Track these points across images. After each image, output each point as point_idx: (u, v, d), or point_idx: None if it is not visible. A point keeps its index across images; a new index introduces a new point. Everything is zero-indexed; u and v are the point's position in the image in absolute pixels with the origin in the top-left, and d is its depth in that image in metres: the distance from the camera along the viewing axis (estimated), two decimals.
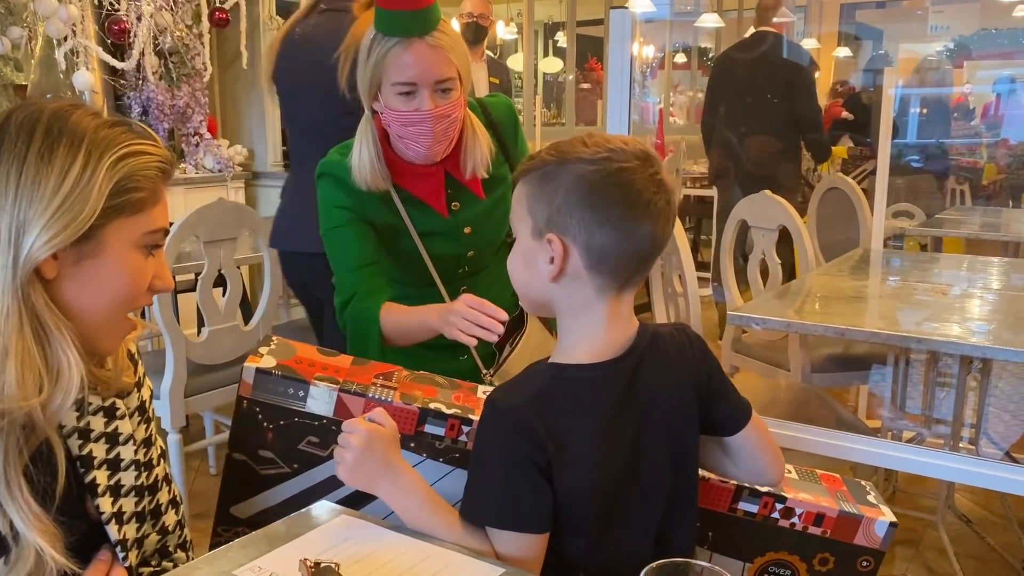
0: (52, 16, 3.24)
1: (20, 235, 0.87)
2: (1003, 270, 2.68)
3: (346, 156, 1.53)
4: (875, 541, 1.14)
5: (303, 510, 1.05)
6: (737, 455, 1.12)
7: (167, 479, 1.11)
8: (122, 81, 3.94)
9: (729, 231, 2.85)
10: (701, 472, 1.12)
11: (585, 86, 7.87)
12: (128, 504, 1.02)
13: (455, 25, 3.75)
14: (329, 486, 1.17)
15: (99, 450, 0.99)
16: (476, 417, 1.11)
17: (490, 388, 1.14)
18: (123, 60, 3.71)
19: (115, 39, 3.65)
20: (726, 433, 1.11)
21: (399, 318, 1.46)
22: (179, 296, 2.94)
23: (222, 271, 2.42)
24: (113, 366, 1.02)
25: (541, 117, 5.87)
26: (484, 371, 1.58)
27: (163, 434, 2.03)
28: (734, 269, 2.80)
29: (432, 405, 1.14)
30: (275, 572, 0.90)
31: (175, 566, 1.09)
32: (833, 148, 5.15)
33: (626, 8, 1.96)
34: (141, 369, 1.09)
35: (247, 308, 2.74)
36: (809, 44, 5.87)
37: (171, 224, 2.20)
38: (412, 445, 1.14)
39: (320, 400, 1.15)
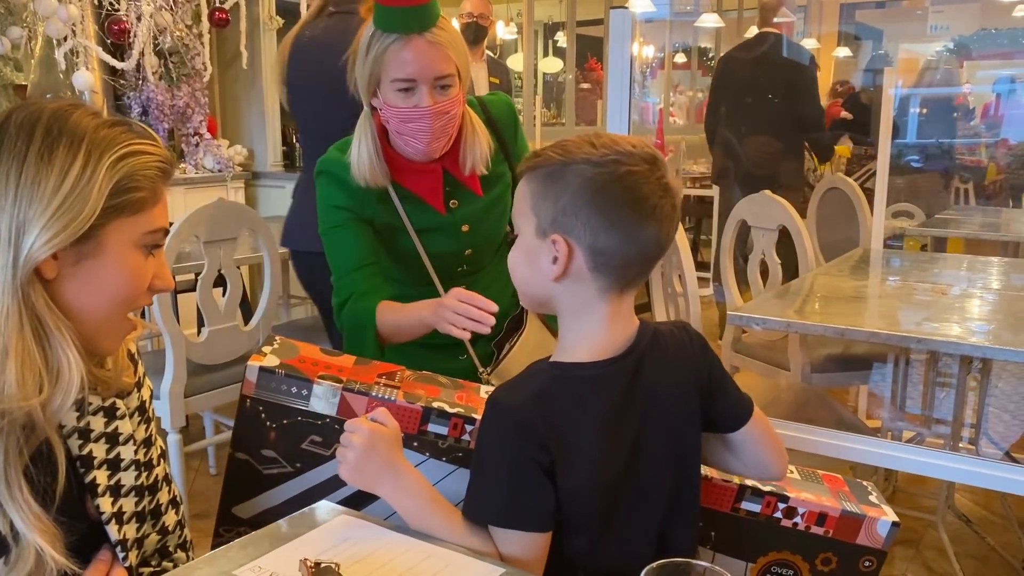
0: (52, 16, 3.24)
1: (20, 235, 0.87)
2: (1003, 270, 2.69)
3: (345, 153, 1.53)
4: (877, 541, 1.14)
5: (303, 510, 1.05)
6: (741, 451, 1.12)
7: (167, 479, 1.11)
8: (122, 81, 3.95)
9: (729, 231, 2.85)
10: (703, 471, 1.12)
11: (585, 86, 7.87)
12: (128, 504, 1.02)
13: (455, 25, 3.75)
14: (332, 486, 1.17)
15: (99, 450, 0.99)
16: (479, 416, 1.11)
17: (491, 388, 1.14)
18: (123, 60, 3.71)
19: (115, 39, 3.65)
20: (729, 429, 1.11)
21: (394, 316, 1.47)
22: (179, 296, 2.94)
23: (222, 271, 2.42)
24: (113, 366, 1.01)
25: (541, 117, 5.87)
26: (481, 369, 1.58)
27: (163, 434, 2.02)
28: (734, 269, 2.80)
29: (435, 404, 1.14)
30: (275, 572, 0.89)
31: (175, 566, 1.09)
32: (835, 148, 5.15)
33: (626, 8, 1.96)
34: (141, 369, 1.09)
35: (247, 308, 2.74)
36: (809, 44, 5.87)
37: (171, 224, 2.21)
38: (415, 444, 1.14)
39: (323, 399, 1.15)
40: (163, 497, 1.09)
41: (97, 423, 0.99)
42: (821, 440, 1.80)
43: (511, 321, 1.63)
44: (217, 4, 4.02)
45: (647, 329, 1.05)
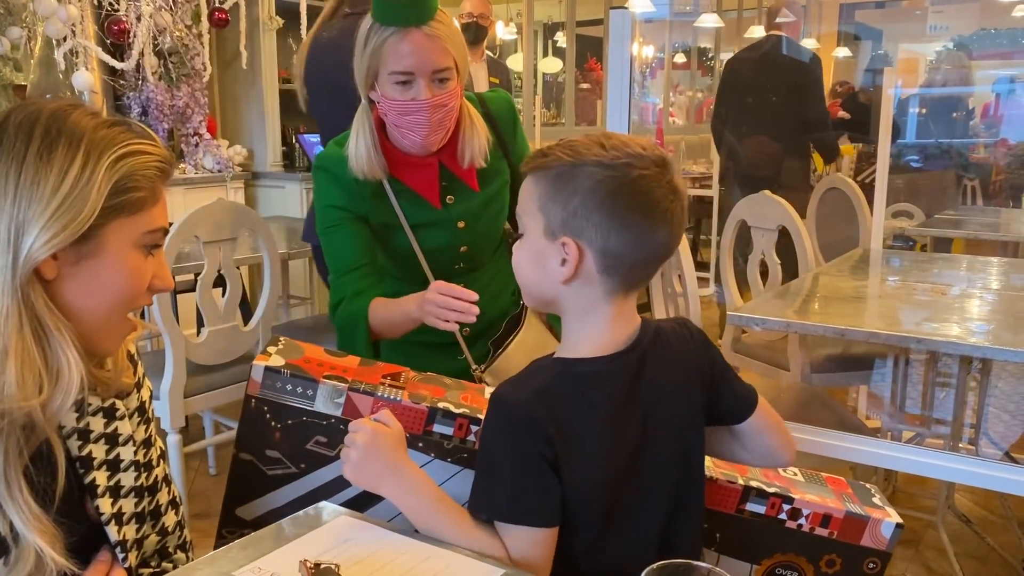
0: (51, 16, 3.24)
1: (19, 235, 0.87)
2: (1002, 270, 2.69)
3: (343, 147, 1.54)
4: (881, 542, 1.14)
5: (303, 511, 1.05)
6: (748, 441, 1.13)
7: (167, 480, 1.11)
8: (121, 81, 3.94)
9: (729, 231, 2.85)
10: (708, 472, 1.12)
11: (585, 86, 7.87)
12: (128, 505, 1.02)
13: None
14: (336, 487, 1.16)
15: (99, 451, 0.99)
16: (483, 416, 1.11)
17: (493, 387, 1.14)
18: (122, 60, 3.70)
19: (114, 39, 3.65)
20: (735, 421, 1.12)
21: (385, 312, 1.48)
22: (179, 296, 2.94)
23: (221, 271, 2.42)
24: (113, 367, 1.01)
25: (541, 117, 5.87)
26: (475, 367, 1.58)
27: (163, 434, 2.03)
28: (734, 269, 2.80)
29: (441, 405, 1.13)
30: (275, 573, 0.89)
31: (175, 567, 1.09)
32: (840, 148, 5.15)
33: (626, 8, 1.96)
34: (141, 370, 1.09)
35: (247, 308, 2.74)
36: (808, 44, 5.88)
37: (171, 224, 2.21)
38: (420, 445, 1.13)
39: (328, 399, 1.14)
40: (163, 498, 1.09)
41: (97, 424, 0.99)
42: (821, 440, 1.80)
43: (510, 320, 1.63)
44: (217, 4, 4.01)
45: (649, 327, 1.05)
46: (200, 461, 3.10)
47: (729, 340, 2.76)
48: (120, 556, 1.00)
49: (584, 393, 1.00)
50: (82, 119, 0.91)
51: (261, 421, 1.17)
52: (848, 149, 5.64)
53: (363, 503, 1.13)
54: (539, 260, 1.01)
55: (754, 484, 1.14)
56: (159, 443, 1.11)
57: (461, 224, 1.60)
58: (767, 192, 2.78)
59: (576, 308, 1.02)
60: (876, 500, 1.18)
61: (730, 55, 8.20)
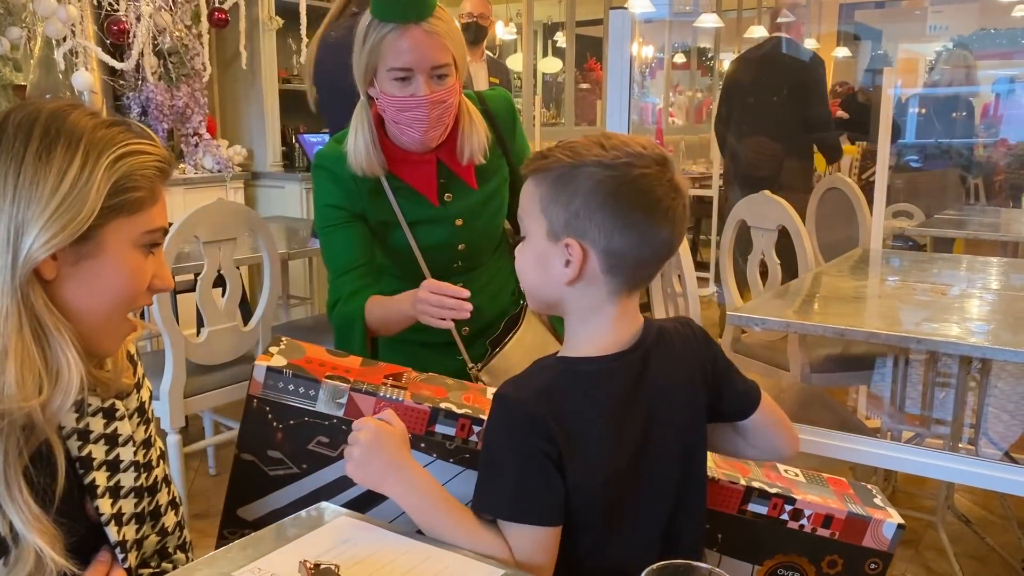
0: (51, 16, 3.24)
1: (19, 236, 0.87)
2: (1002, 270, 2.69)
3: (342, 144, 1.55)
4: (883, 543, 1.14)
5: (303, 511, 1.05)
6: (752, 436, 1.14)
7: (166, 480, 1.11)
8: (121, 81, 3.94)
9: (728, 231, 2.85)
10: (710, 473, 1.12)
11: (584, 86, 7.87)
12: (127, 505, 1.02)
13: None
14: (338, 487, 1.16)
15: (98, 451, 0.99)
16: (486, 417, 1.11)
17: (494, 388, 1.14)
18: (122, 60, 3.70)
19: (114, 39, 3.65)
20: (739, 418, 1.12)
21: (381, 310, 1.50)
22: (178, 296, 2.94)
23: (221, 271, 2.42)
24: (113, 367, 1.01)
25: (540, 117, 5.87)
26: (471, 365, 1.58)
27: (162, 435, 2.02)
28: (735, 269, 2.80)
29: (443, 405, 1.13)
30: (275, 573, 0.89)
31: (175, 567, 1.09)
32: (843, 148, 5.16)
33: (625, 9, 1.96)
34: (140, 370, 1.09)
35: (246, 309, 2.74)
36: (808, 44, 5.88)
37: (170, 224, 2.21)
38: (422, 445, 1.13)
39: (331, 399, 1.14)
40: (162, 498, 1.09)
41: (96, 424, 0.99)
42: (821, 441, 1.80)
43: (508, 320, 1.63)
44: (216, 4, 4.01)
45: (652, 326, 1.06)
46: (200, 461, 3.10)
47: (729, 340, 2.76)
48: (120, 556, 1.00)
49: (587, 392, 1.00)
50: (81, 119, 0.91)
51: (263, 421, 1.17)
52: (851, 149, 5.65)
53: (365, 504, 1.13)
54: (542, 262, 1.01)
55: (756, 485, 1.14)
56: (159, 443, 1.11)
57: (459, 222, 1.60)
58: (767, 192, 2.78)
59: (580, 309, 1.02)
60: (877, 501, 1.18)
61: (730, 55, 8.21)
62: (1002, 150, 5.19)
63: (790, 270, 2.68)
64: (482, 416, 1.12)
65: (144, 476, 1.05)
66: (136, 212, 0.93)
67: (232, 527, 1.22)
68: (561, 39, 7.55)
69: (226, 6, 4.03)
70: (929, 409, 2.58)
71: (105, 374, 1.00)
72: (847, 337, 1.99)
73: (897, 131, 4.45)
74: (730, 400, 1.12)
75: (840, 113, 6.02)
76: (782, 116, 4.04)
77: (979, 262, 2.86)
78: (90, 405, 0.99)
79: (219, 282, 2.44)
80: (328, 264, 1.59)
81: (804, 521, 1.14)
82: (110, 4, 3.63)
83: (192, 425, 3.17)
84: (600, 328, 1.01)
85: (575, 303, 1.02)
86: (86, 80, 3.40)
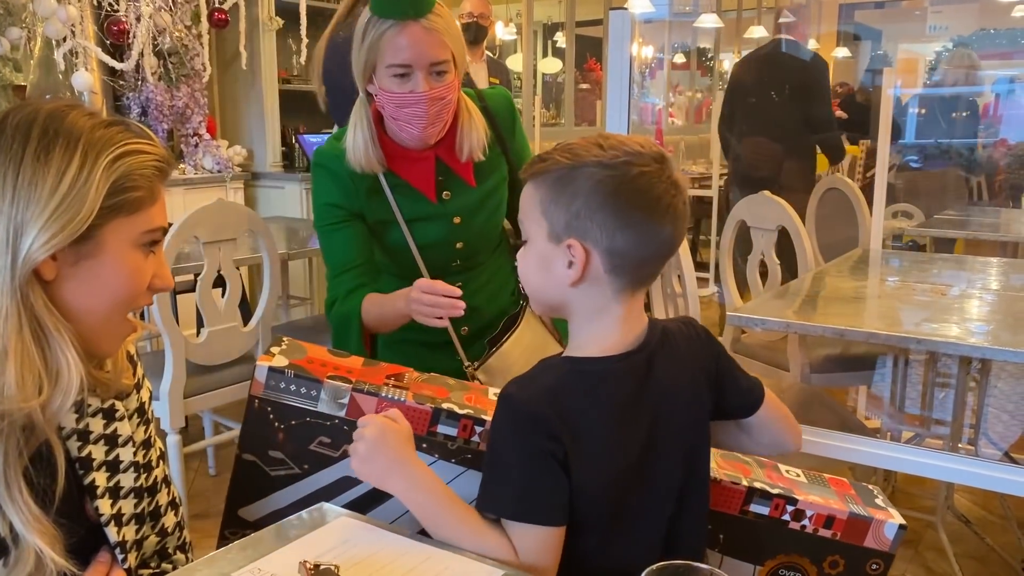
0: (51, 17, 3.24)
1: (18, 237, 0.87)
2: (1002, 270, 2.69)
3: (341, 141, 1.55)
4: (885, 543, 1.14)
5: (303, 511, 1.05)
6: (756, 432, 1.15)
7: (166, 481, 1.11)
8: (121, 82, 3.94)
9: (728, 231, 2.85)
10: (712, 474, 1.12)
11: (584, 86, 7.88)
12: (127, 506, 1.02)
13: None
14: (340, 488, 1.16)
15: (98, 452, 0.99)
16: (488, 418, 1.11)
17: (496, 389, 1.14)
18: (122, 61, 3.70)
19: (114, 40, 3.65)
20: (744, 415, 1.13)
21: (378, 308, 1.51)
22: (178, 297, 2.94)
23: (221, 272, 2.42)
24: (112, 368, 1.01)
25: (540, 117, 5.88)
26: (467, 364, 1.58)
27: (162, 435, 2.02)
28: (735, 270, 2.80)
29: (445, 405, 1.13)
30: (275, 574, 0.89)
31: (174, 568, 1.09)
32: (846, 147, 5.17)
33: (625, 9, 1.97)
34: (140, 371, 1.09)
35: (246, 309, 2.74)
36: (808, 44, 5.89)
37: (170, 225, 2.21)
38: (424, 446, 1.13)
39: (332, 400, 1.14)
40: (162, 499, 1.09)
41: (96, 425, 0.99)
42: (820, 441, 1.80)
43: (507, 319, 1.63)
44: (216, 5, 4.02)
45: (656, 326, 1.06)
46: (200, 462, 3.10)
47: (729, 340, 2.76)
48: (120, 557, 1.00)
49: (593, 392, 1.00)
50: (79, 119, 0.91)
51: (264, 422, 1.16)
52: (854, 149, 5.65)
53: (366, 504, 1.13)
54: (545, 264, 1.01)
55: (758, 485, 1.14)
56: (159, 444, 1.11)
57: (457, 220, 1.60)
58: (766, 192, 2.78)
59: (585, 310, 1.02)
60: (879, 501, 1.18)
61: (730, 55, 8.21)
62: (1002, 150, 5.19)
63: (790, 270, 2.68)
64: (484, 416, 1.12)
65: (144, 477, 1.05)
66: (135, 212, 0.93)
67: (233, 527, 1.22)
68: (561, 39, 7.56)
69: (226, 6, 4.03)
70: (929, 409, 2.58)
71: (105, 375, 1.00)
72: (847, 337, 1.99)
73: (897, 131, 4.45)
74: (734, 398, 1.12)
75: (839, 113, 6.03)
76: (785, 116, 4.05)
77: (979, 262, 2.86)
78: (90, 406, 0.99)
79: (219, 282, 2.44)
80: (327, 262, 1.61)
81: (806, 522, 1.14)
82: (110, 4, 3.63)
83: (192, 425, 3.18)
84: (605, 328, 1.01)
85: (579, 304, 1.02)
86: (86, 80, 3.40)
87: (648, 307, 2.62)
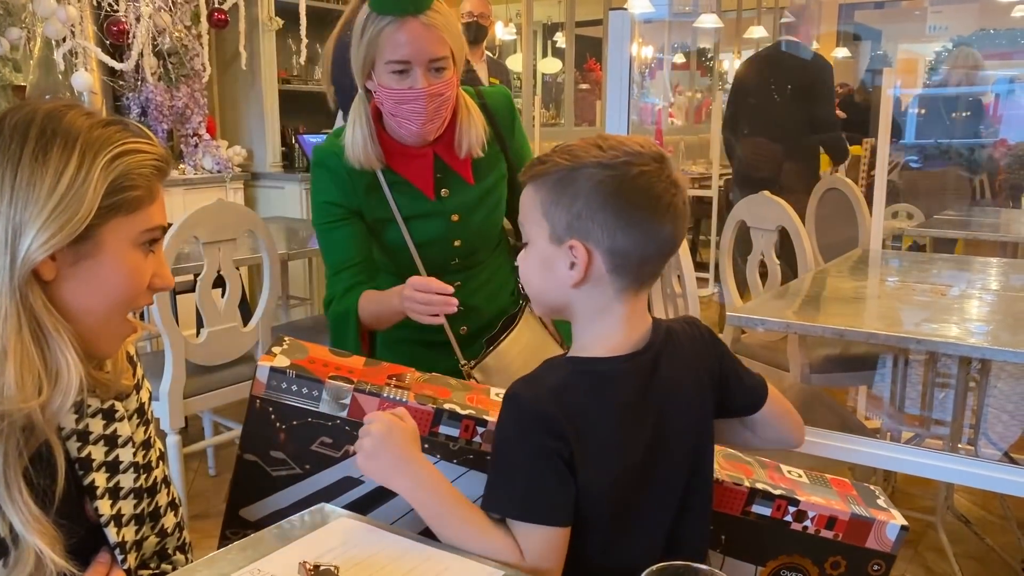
0: (51, 17, 3.24)
1: (16, 237, 0.87)
2: (1002, 271, 2.69)
3: (340, 138, 1.56)
4: (886, 544, 1.14)
5: (303, 512, 1.04)
6: (760, 428, 1.16)
7: (166, 481, 1.11)
8: (121, 82, 3.94)
9: (728, 232, 2.85)
10: (715, 475, 1.12)
11: (584, 87, 7.88)
12: (127, 506, 1.02)
13: None
14: (341, 488, 1.16)
15: (98, 452, 0.99)
16: (490, 418, 1.11)
17: (499, 391, 1.14)
18: (122, 61, 3.70)
19: (114, 40, 3.65)
20: (748, 412, 1.14)
21: (374, 305, 1.52)
22: (178, 297, 2.94)
23: (221, 272, 2.42)
24: (112, 368, 1.01)
25: (540, 117, 5.88)
26: (463, 363, 1.58)
27: (162, 435, 2.02)
28: (735, 270, 2.80)
29: (447, 406, 1.13)
30: (275, 575, 0.89)
31: (174, 568, 1.09)
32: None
33: (625, 9, 1.96)
34: (140, 371, 1.09)
35: (246, 309, 2.74)
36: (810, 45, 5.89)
37: (170, 225, 2.21)
38: (426, 447, 1.13)
39: (334, 400, 1.14)
40: (162, 499, 1.09)
41: (96, 425, 0.99)
42: (820, 441, 1.80)
43: (506, 319, 1.63)
44: (216, 5, 4.02)
45: (660, 327, 1.06)
46: (199, 462, 3.10)
47: (729, 340, 2.76)
48: (119, 558, 1.00)
49: (598, 392, 1.00)
50: (77, 119, 0.91)
51: (266, 422, 1.16)
52: (857, 149, 5.65)
53: (368, 505, 1.13)
54: (547, 266, 1.01)
55: (760, 486, 1.14)
56: (158, 445, 1.11)
57: (455, 217, 1.60)
58: (766, 192, 2.78)
59: (588, 311, 1.02)
60: (880, 502, 1.18)
61: (730, 56, 8.21)
62: (1002, 150, 5.20)
63: (790, 270, 2.68)
64: (486, 417, 1.12)
65: (143, 477, 1.04)
66: (134, 211, 0.93)
67: (234, 527, 1.22)
68: (561, 39, 7.56)
69: (226, 7, 4.03)
70: (929, 409, 2.58)
71: (105, 375, 1.00)
72: (847, 338, 1.99)
73: (898, 131, 4.44)
74: (739, 397, 1.13)
75: (839, 113, 6.04)
76: (790, 117, 4.06)
77: (978, 263, 2.86)
78: (89, 406, 0.99)
79: (219, 283, 2.44)
80: (325, 259, 1.62)
81: (808, 523, 1.14)
82: (110, 4, 3.63)
83: (192, 426, 3.17)
84: (609, 328, 1.02)
85: (582, 305, 1.02)
86: (86, 81, 3.40)
87: (648, 308, 2.63)
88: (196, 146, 4.31)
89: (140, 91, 3.99)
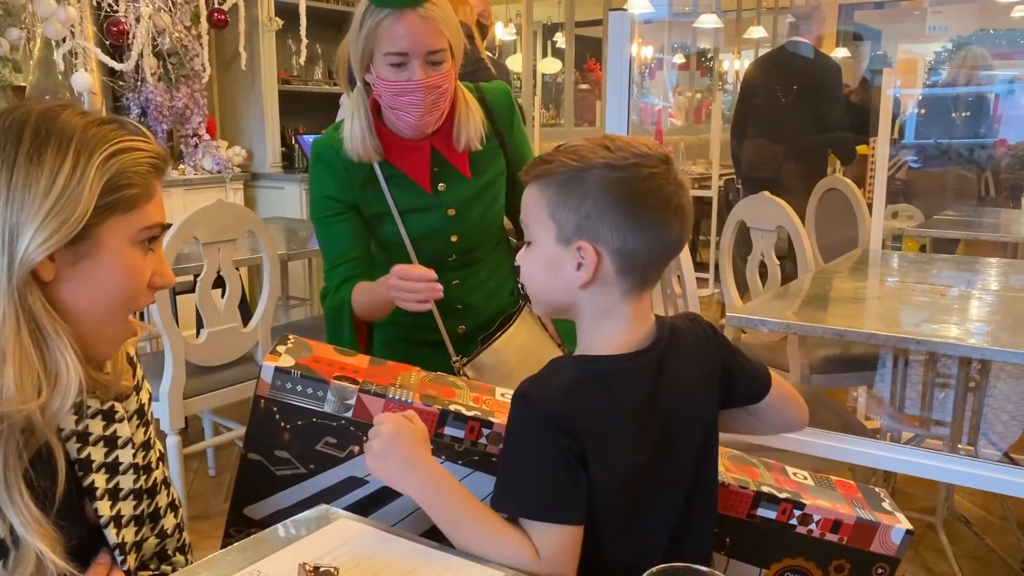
0: (51, 17, 3.24)
1: (14, 238, 0.87)
2: (1001, 271, 2.69)
3: (339, 132, 1.57)
4: (891, 548, 1.13)
5: (304, 513, 1.04)
6: (764, 415, 1.16)
7: (166, 482, 1.11)
8: (121, 82, 3.94)
9: (728, 232, 2.85)
10: (720, 478, 1.12)
11: (584, 87, 7.88)
12: (127, 508, 1.02)
13: None
14: (345, 488, 1.16)
15: (97, 454, 0.99)
16: (496, 420, 1.10)
17: (506, 392, 1.13)
18: (122, 61, 3.70)
19: (114, 40, 3.65)
20: (753, 401, 1.14)
21: (366, 297, 1.53)
22: (178, 298, 2.94)
23: (221, 273, 2.42)
24: (112, 369, 1.01)
25: (540, 118, 5.88)
26: (455, 359, 1.58)
27: (162, 436, 2.02)
28: (734, 270, 2.80)
29: (452, 407, 1.12)
30: None
31: (174, 570, 1.09)
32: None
33: (625, 10, 1.97)
34: (140, 372, 1.09)
35: (246, 310, 2.74)
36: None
37: (170, 225, 2.20)
38: (431, 448, 1.13)
39: (339, 400, 1.14)
40: (162, 500, 1.09)
41: (96, 426, 0.99)
42: (820, 442, 1.80)
43: (503, 318, 1.63)
44: (216, 5, 4.01)
45: (665, 325, 1.06)
46: (199, 463, 3.10)
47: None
48: (119, 559, 1.00)
49: (607, 391, 0.99)
50: (72, 118, 0.91)
51: (270, 422, 1.16)
52: (864, 149, 5.65)
53: (372, 505, 1.13)
54: (553, 266, 1.01)
55: (765, 489, 1.14)
56: (158, 446, 1.11)
57: (451, 211, 1.60)
58: (766, 193, 2.78)
59: (594, 311, 1.02)
60: (886, 505, 1.18)
61: (729, 56, 8.20)
62: (1002, 150, 5.19)
63: (790, 271, 2.68)
64: (491, 418, 1.12)
65: (143, 478, 1.04)
66: (131, 209, 0.93)
67: (238, 526, 1.22)
68: (561, 40, 7.56)
69: (225, 7, 4.03)
70: (929, 410, 2.58)
71: (104, 376, 1.00)
72: (847, 338, 1.99)
73: (899, 131, 4.44)
74: (743, 387, 1.13)
75: None
76: (799, 119, 4.06)
77: (978, 263, 2.86)
78: (89, 407, 0.98)
79: (218, 283, 2.44)
80: (323, 252, 1.63)
81: (813, 526, 1.13)
82: (109, 5, 3.63)
83: (192, 426, 3.17)
84: (615, 328, 1.02)
85: (588, 305, 1.02)
86: (85, 81, 3.40)
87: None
88: (196, 146, 4.31)
89: (140, 91, 3.99)
